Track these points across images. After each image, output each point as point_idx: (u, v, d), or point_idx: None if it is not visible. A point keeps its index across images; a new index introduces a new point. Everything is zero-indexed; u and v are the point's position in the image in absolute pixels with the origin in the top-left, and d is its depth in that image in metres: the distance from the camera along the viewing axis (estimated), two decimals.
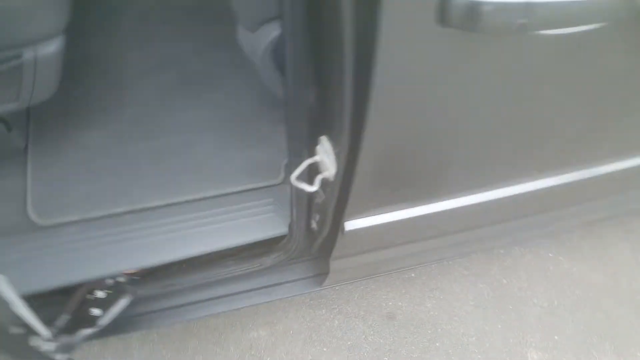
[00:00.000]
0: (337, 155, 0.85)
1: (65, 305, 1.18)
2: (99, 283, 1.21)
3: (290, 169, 1.10)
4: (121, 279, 1.23)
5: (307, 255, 1.34)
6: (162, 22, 1.63)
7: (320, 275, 1.36)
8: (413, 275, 1.87)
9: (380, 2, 0.59)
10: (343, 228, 0.99)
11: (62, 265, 1.17)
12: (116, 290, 1.22)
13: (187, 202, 1.29)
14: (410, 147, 0.86)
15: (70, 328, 1.15)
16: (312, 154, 0.91)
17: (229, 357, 1.68)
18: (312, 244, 1.25)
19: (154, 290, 1.28)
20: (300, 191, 1.10)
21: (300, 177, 0.90)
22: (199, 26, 1.61)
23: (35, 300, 1.03)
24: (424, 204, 1.00)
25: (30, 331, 0.98)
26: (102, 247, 1.20)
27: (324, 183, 0.94)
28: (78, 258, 1.18)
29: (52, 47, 0.99)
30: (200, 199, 1.30)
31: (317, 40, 0.75)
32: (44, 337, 1.02)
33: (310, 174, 0.93)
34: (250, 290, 1.39)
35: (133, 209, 1.26)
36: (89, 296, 1.21)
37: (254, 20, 1.03)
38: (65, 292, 1.19)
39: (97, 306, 1.20)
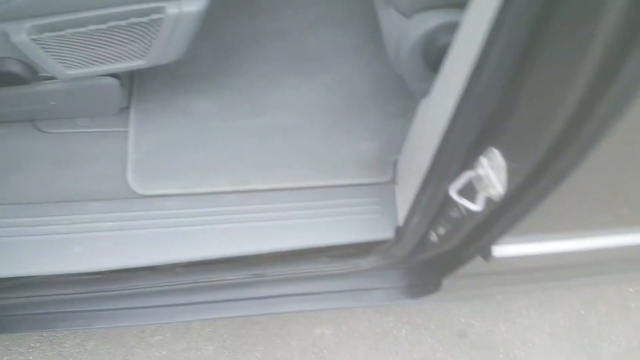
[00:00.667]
0: (511, 173, 0.75)
1: None
2: None
3: (405, 169, 1.01)
4: None
5: (406, 263, 1.25)
6: None
7: (417, 286, 1.27)
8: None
9: None
10: (489, 253, 0.89)
11: (154, 242, 1.10)
12: None
13: (289, 189, 1.21)
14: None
15: None
16: (472, 165, 0.81)
17: (290, 351, 1.62)
18: (420, 254, 1.16)
19: (241, 278, 1.21)
20: (431, 198, 1.01)
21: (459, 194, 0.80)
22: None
23: None
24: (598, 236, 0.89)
25: None
26: (202, 226, 1.13)
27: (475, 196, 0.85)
28: (174, 236, 1.11)
29: (196, 5, 0.91)
30: (303, 188, 1.22)
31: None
32: None
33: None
34: (338, 292, 1.31)
35: (236, 189, 1.19)
36: None
37: (414, 4, 0.92)
38: None
39: None
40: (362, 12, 1.46)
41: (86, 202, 1.12)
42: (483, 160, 0.80)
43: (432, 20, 0.94)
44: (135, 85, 1.29)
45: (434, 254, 1.11)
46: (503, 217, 0.81)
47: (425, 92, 0.99)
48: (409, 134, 1.14)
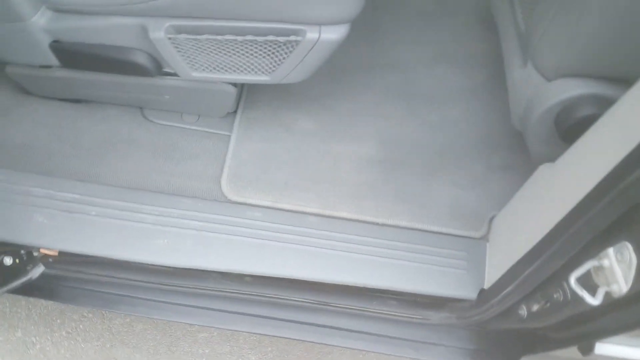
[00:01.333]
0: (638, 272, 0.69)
1: None
2: (12, 250, 1.12)
3: (503, 229, 0.95)
4: (36, 254, 1.13)
5: (481, 326, 1.19)
6: (411, 26, 1.51)
7: (487, 354, 1.20)
8: None
9: None
10: (591, 349, 0.82)
11: (234, 249, 1.10)
12: (25, 262, 1.13)
13: (374, 223, 1.18)
14: None
15: None
16: (596, 254, 0.75)
17: None
18: (500, 324, 1.10)
19: (306, 302, 1.18)
20: (535, 273, 0.94)
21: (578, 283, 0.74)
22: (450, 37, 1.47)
23: None
24: None
25: None
26: (282, 243, 1.12)
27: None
28: (254, 246, 1.11)
29: (335, 34, 0.90)
30: (388, 225, 1.19)
31: None
32: None
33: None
34: (398, 338, 1.26)
35: (322, 213, 1.17)
36: None
37: (560, 69, 0.87)
38: None
39: None
40: (481, 56, 1.42)
41: (178, 197, 1.13)
42: (610, 251, 0.74)
43: (575, 88, 0.88)
44: (245, 92, 1.30)
45: (517, 327, 1.04)
46: (619, 315, 0.74)
47: (546, 158, 0.94)
48: (516, 194, 1.08)
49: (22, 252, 1.12)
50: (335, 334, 1.25)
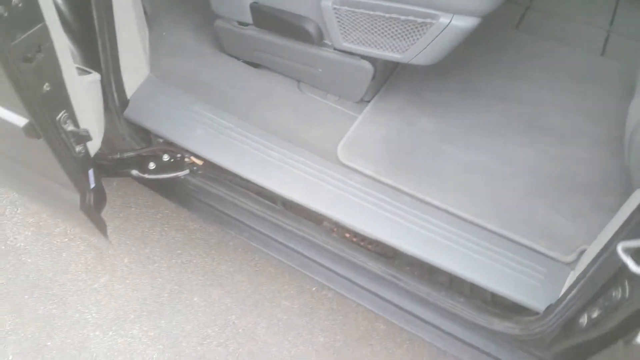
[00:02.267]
0: None
1: (141, 144, 1.42)
2: (172, 151, 1.40)
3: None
4: (187, 159, 1.40)
5: (537, 349, 1.16)
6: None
7: None
8: None
9: None
10: (632, 338, 0.81)
11: (331, 198, 1.28)
12: (177, 162, 1.41)
13: (464, 219, 1.26)
14: None
15: (128, 163, 1.42)
16: None
17: None
18: (561, 339, 1.08)
19: (379, 271, 1.29)
20: (594, 275, 0.95)
21: (627, 251, 0.77)
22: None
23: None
24: None
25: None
26: (371, 206, 1.26)
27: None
28: (348, 201, 1.27)
29: (465, 23, 1.08)
30: (477, 225, 1.25)
31: None
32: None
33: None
34: (461, 340, 1.28)
35: (415, 196, 1.29)
36: (159, 153, 1.42)
37: None
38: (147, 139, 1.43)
39: (155, 162, 1.43)
40: (619, 115, 1.45)
41: (301, 148, 1.36)
42: None
43: None
44: (381, 88, 1.52)
45: (575, 343, 1.02)
46: None
47: None
48: (609, 223, 1.09)
49: (178, 155, 1.43)
50: (396, 313, 1.34)
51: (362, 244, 1.36)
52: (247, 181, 1.34)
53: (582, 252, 1.20)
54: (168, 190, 1.52)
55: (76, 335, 1.74)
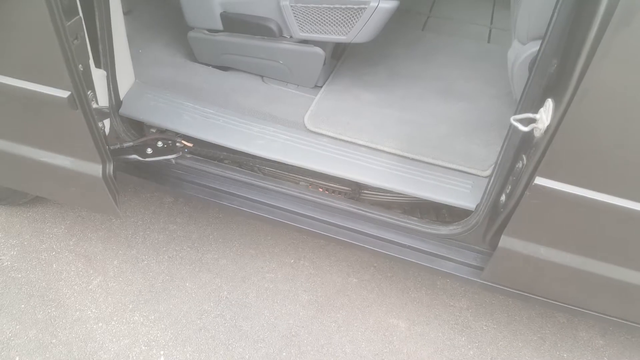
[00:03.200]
0: (555, 112, 1.10)
1: (135, 138, 1.70)
2: (164, 138, 1.70)
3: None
4: (178, 144, 1.70)
5: (477, 244, 1.53)
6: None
7: (482, 269, 1.53)
8: (584, 335, 1.89)
9: None
10: (532, 184, 1.19)
11: (303, 154, 1.62)
12: (170, 147, 1.69)
13: (408, 157, 1.64)
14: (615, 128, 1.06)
15: (126, 150, 1.68)
16: (535, 112, 1.18)
17: (366, 326, 1.90)
18: (491, 225, 1.45)
19: (344, 205, 1.63)
20: (503, 162, 1.35)
21: (517, 121, 1.17)
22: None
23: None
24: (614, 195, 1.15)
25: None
26: (335, 154, 1.62)
27: (532, 143, 1.19)
28: (316, 154, 1.62)
29: (389, 5, 1.51)
30: (418, 160, 1.63)
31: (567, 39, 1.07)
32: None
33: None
34: (417, 250, 1.63)
35: (369, 145, 1.66)
36: (153, 142, 1.68)
37: (528, 35, 1.37)
38: (141, 130, 1.73)
39: (152, 148, 1.69)
40: (502, 76, 1.93)
41: (275, 122, 1.71)
42: (541, 109, 1.17)
43: (538, 44, 1.37)
44: (330, 75, 1.92)
45: (503, 217, 1.39)
46: (544, 149, 1.14)
47: None
48: None
49: (170, 141, 1.72)
50: (363, 239, 1.66)
51: (333, 193, 1.70)
52: (233, 152, 1.65)
53: (493, 167, 1.60)
54: (162, 177, 1.78)
55: (80, 329, 1.88)
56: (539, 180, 1.18)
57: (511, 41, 1.57)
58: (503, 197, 1.38)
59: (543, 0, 1.29)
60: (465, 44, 2.15)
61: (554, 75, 1.15)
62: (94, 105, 1.36)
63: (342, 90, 1.86)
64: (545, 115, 1.14)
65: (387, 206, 1.73)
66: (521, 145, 1.28)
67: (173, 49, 2.00)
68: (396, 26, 1.92)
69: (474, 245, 1.58)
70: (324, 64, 1.77)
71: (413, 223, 1.59)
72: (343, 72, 1.94)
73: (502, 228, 1.37)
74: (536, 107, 1.19)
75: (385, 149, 1.66)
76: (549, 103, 1.13)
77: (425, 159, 1.63)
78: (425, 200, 1.56)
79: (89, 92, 1.33)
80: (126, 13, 2.15)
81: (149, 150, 1.68)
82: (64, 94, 1.25)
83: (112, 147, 1.69)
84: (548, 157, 1.15)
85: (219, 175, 1.71)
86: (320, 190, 1.72)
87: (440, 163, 1.62)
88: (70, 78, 1.22)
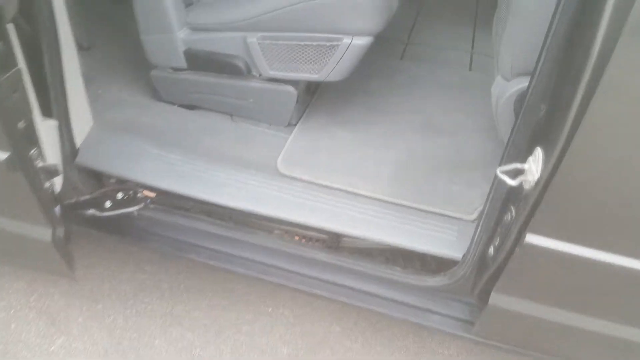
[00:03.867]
0: (545, 164, 1.00)
1: (93, 189, 1.56)
2: (125, 189, 1.55)
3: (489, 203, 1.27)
4: (140, 195, 1.55)
5: (465, 296, 1.42)
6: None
7: (472, 323, 1.41)
8: None
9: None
10: (523, 241, 1.09)
11: (277, 201, 1.50)
12: (131, 198, 1.55)
13: (387, 202, 1.53)
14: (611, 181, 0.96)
15: (84, 205, 1.53)
16: (522, 161, 1.07)
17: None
18: (479, 279, 1.34)
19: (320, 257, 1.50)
20: (490, 213, 1.24)
21: (504, 173, 1.06)
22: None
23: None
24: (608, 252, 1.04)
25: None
26: (310, 201, 1.50)
27: (521, 196, 1.08)
28: (290, 202, 1.50)
29: (363, 41, 1.40)
30: (396, 204, 1.52)
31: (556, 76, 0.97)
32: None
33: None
34: (401, 303, 1.51)
35: (347, 190, 1.55)
36: (113, 193, 1.56)
37: (512, 71, 1.28)
38: (99, 180, 1.58)
39: (111, 201, 1.55)
40: (488, 110, 1.83)
41: (245, 167, 1.59)
42: (530, 158, 1.07)
43: (524, 82, 1.27)
44: (304, 112, 1.81)
45: (492, 270, 1.28)
46: (535, 204, 1.03)
47: None
48: None
49: (131, 192, 1.58)
50: (341, 292, 1.54)
51: (309, 243, 1.57)
52: (199, 202, 1.52)
53: (480, 212, 1.50)
54: (124, 230, 1.64)
55: None
56: (530, 238, 1.08)
57: (494, 75, 1.48)
58: (491, 250, 1.27)
59: (527, 33, 1.19)
60: (446, 73, 2.06)
61: (543, 120, 1.04)
62: (39, 164, 1.22)
63: (318, 128, 1.75)
64: (534, 166, 1.04)
65: (368, 253, 1.60)
66: (509, 197, 1.18)
67: (136, 87, 1.87)
68: (373, 56, 1.82)
69: (462, 298, 1.46)
70: (297, 101, 1.66)
71: (396, 274, 1.47)
72: (318, 109, 1.83)
73: (492, 283, 1.26)
74: (524, 155, 1.08)
75: (364, 192, 1.54)
76: (539, 152, 1.03)
77: (407, 203, 1.52)
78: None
79: (32, 151, 1.20)
80: (86, 49, 2.03)
81: (108, 204, 1.55)
82: (2, 155, 1.11)
83: (66, 202, 1.54)
84: (540, 213, 1.04)
85: (185, 227, 1.57)
86: (297, 238, 1.59)
87: (423, 207, 1.51)
88: (8, 138, 1.09)
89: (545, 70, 1.01)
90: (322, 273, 1.55)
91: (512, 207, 1.16)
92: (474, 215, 1.49)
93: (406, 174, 1.60)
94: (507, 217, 1.17)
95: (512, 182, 1.05)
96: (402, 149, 1.69)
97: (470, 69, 2.11)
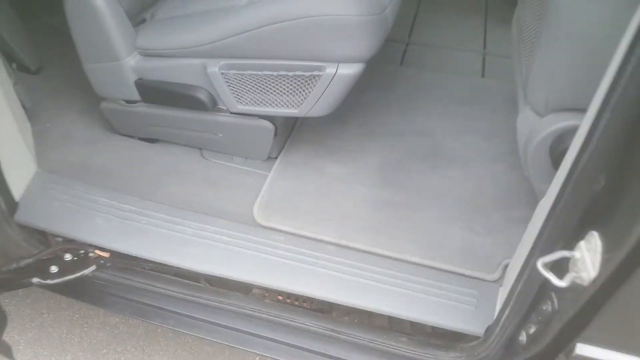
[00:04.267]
0: (606, 259, 0.72)
1: (37, 251, 1.30)
2: (74, 248, 1.30)
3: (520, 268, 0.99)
4: (91, 254, 1.29)
5: None
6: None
7: None
8: None
9: None
10: (572, 353, 0.82)
11: (257, 264, 1.23)
12: (82, 259, 1.29)
13: (388, 257, 1.25)
14: None
15: (27, 271, 1.28)
16: (570, 247, 0.80)
17: None
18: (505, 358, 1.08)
19: (317, 327, 1.24)
20: (522, 292, 0.97)
21: (546, 266, 0.79)
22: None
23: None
24: None
25: None
26: (299, 263, 1.22)
27: (568, 288, 0.81)
28: (274, 264, 1.23)
29: (351, 70, 1.10)
30: (402, 260, 1.25)
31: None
32: None
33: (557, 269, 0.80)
34: None
35: (339, 243, 1.27)
36: (60, 254, 1.30)
37: (548, 105, 0.98)
38: (45, 240, 1.31)
39: (57, 264, 1.30)
40: (508, 129, 1.54)
41: (214, 217, 1.30)
42: (582, 244, 0.79)
43: (563, 120, 0.98)
44: (286, 143, 1.52)
45: None
46: (589, 307, 0.76)
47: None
48: (523, 236, 1.12)
49: (81, 252, 1.31)
50: None
51: (296, 303, 1.30)
52: (162, 264, 1.25)
53: (505, 267, 1.23)
54: (78, 291, 1.38)
55: None
56: (583, 349, 0.81)
57: (518, 104, 1.19)
58: (524, 337, 1.00)
59: (574, 63, 0.90)
60: (455, 82, 1.75)
61: (603, 196, 0.76)
62: None
63: (302, 162, 1.46)
64: (589, 258, 0.76)
65: (367, 315, 1.34)
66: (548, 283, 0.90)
67: (89, 118, 1.58)
68: (368, 62, 1.54)
69: None
70: (276, 135, 1.37)
71: (401, 348, 1.20)
72: (303, 136, 1.54)
73: None
74: (571, 237, 0.81)
75: (359, 246, 1.27)
76: (596, 239, 0.75)
77: (414, 259, 1.25)
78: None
79: None
80: (35, 72, 1.73)
81: (54, 269, 1.28)
82: None
83: (4, 269, 1.28)
84: (598, 320, 0.77)
85: (148, 290, 1.31)
86: (280, 298, 1.32)
87: (433, 264, 1.24)
88: None
89: (611, 125, 0.70)
90: (313, 343, 1.28)
91: (553, 297, 0.88)
92: (497, 274, 1.22)
93: (410, 222, 1.32)
94: (547, 307, 0.90)
95: (560, 283, 0.77)
96: (404, 185, 1.40)
97: (482, 75, 1.80)
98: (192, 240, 1.26)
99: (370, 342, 1.22)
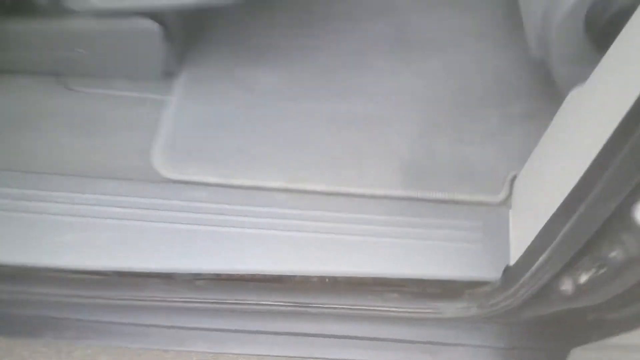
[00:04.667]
0: None
1: None
2: None
3: (528, 188, 0.71)
4: None
5: (511, 317, 0.90)
6: None
7: (524, 352, 0.93)
8: None
9: None
10: None
11: (173, 242, 0.85)
12: None
13: (361, 195, 0.92)
14: None
15: None
16: None
17: None
18: (538, 308, 0.81)
19: (280, 305, 0.90)
20: (577, 226, 0.66)
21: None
22: None
23: None
24: None
25: None
26: (238, 228, 0.86)
27: None
28: (200, 236, 0.86)
29: None
30: (379, 196, 0.92)
31: None
32: None
33: None
34: (407, 341, 0.98)
35: (290, 187, 0.91)
36: None
37: None
38: None
39: None
40: None
41: (95, 179, 0.89)
42: None
43: None
44: (188, 48, 1.07)
45: (562, 310, 0.76)
46: None
47: (577, 79, 0.70)
48: (540, 141, 0.82)
49: None
50: (324, 343, 0.98)
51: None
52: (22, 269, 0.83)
53: (512, 181, 0.94)
54: None
55: None
56: None
57: None
58: (569, 286, 0.72)
59: None
60: None
61: None
62: None
63: (217, 75, 1.05)
64: None
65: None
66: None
67: None
68: None
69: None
70: (170, 40, 0.91)
71: (392, 308, 0.91)
72: (213, 37, 1.09)
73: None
74: None
75: (318, 187, 0.91)
76: None
77: (393, 192, 0.92)
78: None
79: None
80: None
81: None
82: None
83: None
84: None
85: (25, 302, 0.91)
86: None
87: (419, 195, 0.92)
88: None
89: None
90: (272, 324, 0.97)
91: (629, 239, 0.58)
92: (503, 194, 0.94)
93: (381, 136, 0.97)
94: (617, 253, 0.61)
95: None
96: (366, 92, 1.03)
97: None
98: (60, 222, 0.84)
99: (349, 309, 0.91)
